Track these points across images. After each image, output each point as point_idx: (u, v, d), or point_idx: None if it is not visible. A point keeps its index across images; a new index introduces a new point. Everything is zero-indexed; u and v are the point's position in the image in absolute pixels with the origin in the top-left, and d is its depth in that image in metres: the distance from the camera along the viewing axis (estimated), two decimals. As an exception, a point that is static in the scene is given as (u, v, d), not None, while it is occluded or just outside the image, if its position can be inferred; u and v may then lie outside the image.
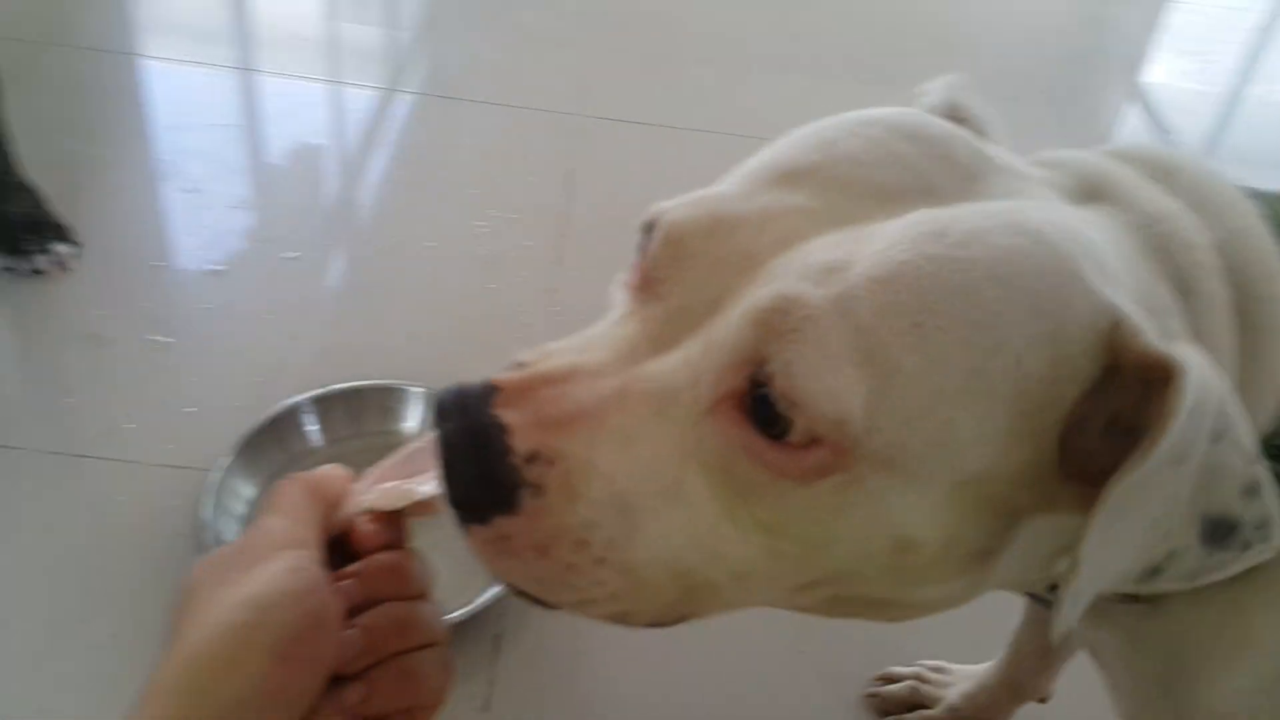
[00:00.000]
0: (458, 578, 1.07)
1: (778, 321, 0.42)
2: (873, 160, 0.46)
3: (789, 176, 0.47)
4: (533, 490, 0.44)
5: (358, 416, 1.21)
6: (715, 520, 0.45)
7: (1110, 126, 2.15)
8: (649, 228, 0.48)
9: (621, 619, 0.48)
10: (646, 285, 0.47)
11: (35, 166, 1.39)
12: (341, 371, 1.26)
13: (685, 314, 0.46)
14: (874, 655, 1.07)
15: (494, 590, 1.05)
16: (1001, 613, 0.92)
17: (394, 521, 0.54)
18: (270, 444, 1.15)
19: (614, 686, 1.04)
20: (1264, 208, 0.51)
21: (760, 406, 0.42)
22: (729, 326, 0.43)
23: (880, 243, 0.43)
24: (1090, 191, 0.50)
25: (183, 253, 1.47)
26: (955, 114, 0.53)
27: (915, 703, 1.03)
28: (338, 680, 0.48)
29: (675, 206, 0.47)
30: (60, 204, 1.42)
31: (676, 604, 0.48)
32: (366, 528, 0.53)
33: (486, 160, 1.72)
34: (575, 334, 0.49)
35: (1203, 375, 0.41)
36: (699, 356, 0.44)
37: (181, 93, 1.81)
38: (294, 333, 1.36)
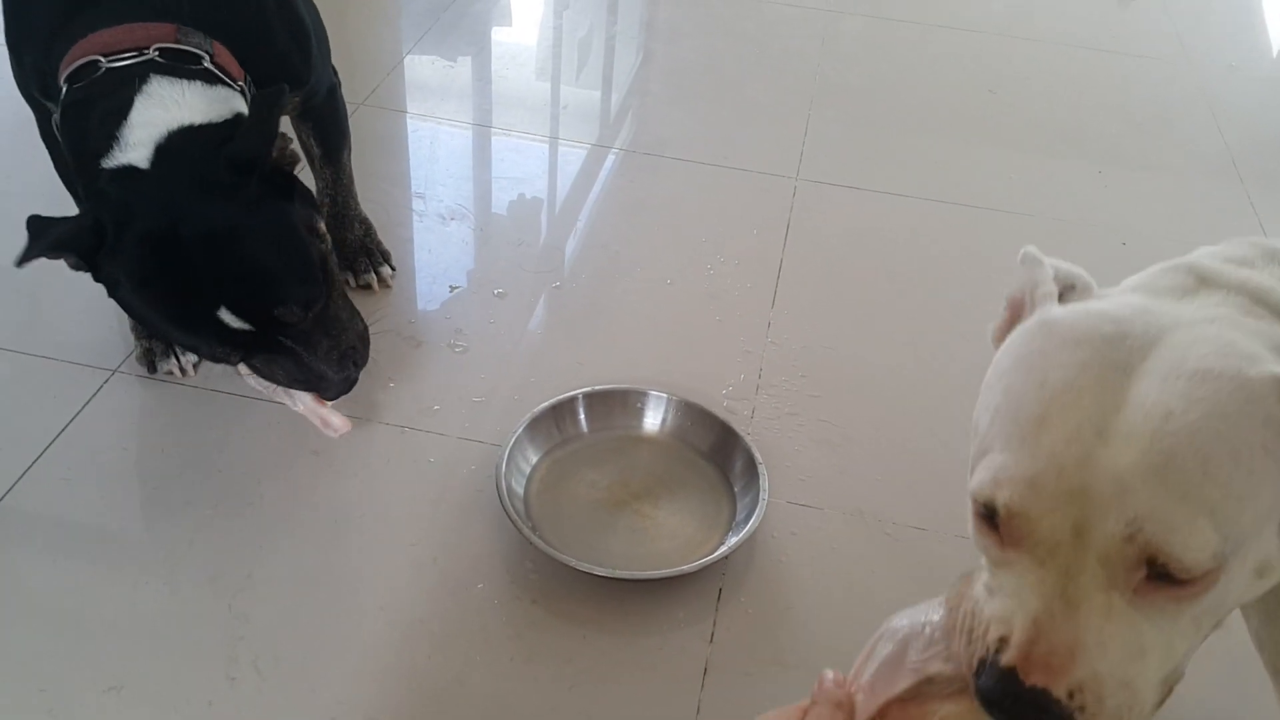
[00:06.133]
0: (692, 540, 1.36)
1: (1139, 535, 0.62)
2: (1074, 377, 0.66)
3: (1040, 423, 0.66)
4: (1080, 710, 0.65)
5: (613, 411, 1.52)
6: (1168, 648, 0.66)
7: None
8: (988, 509, 0.68)
9: None
10: (1015, 538, 0.67)
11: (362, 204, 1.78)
12: (593, 377, 1.58)
13: (1059, 547, 0.65)
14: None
15: (720, 551, 1.33)
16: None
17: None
18: (550, 424, 1.48)
19: (809, 630, 1.29)
20: None
21: (1165, 574, 0.63)
22: (1111, 546, 0.63)
23: (1144, 439, 0.62)
24: (1192, 280, 0.74)
25: (474, 279, 1.82)
26: (1067, 283, 0.76)
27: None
28: None
29: (998, 488, 0.67)
30: (380, 235, 1.79)
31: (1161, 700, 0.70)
32: None
33: (718, 215, 2.02)
34: (993, 593, 0.71)
35: None
36: (1103, 572, 0.64)
37: (465, 151, 2.20)
38: (558, 344, 1.69)
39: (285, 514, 1.39)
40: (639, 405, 1.53)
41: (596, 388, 1.53)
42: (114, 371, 1.56)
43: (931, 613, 0.79)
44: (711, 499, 1.43)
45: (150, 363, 1.55)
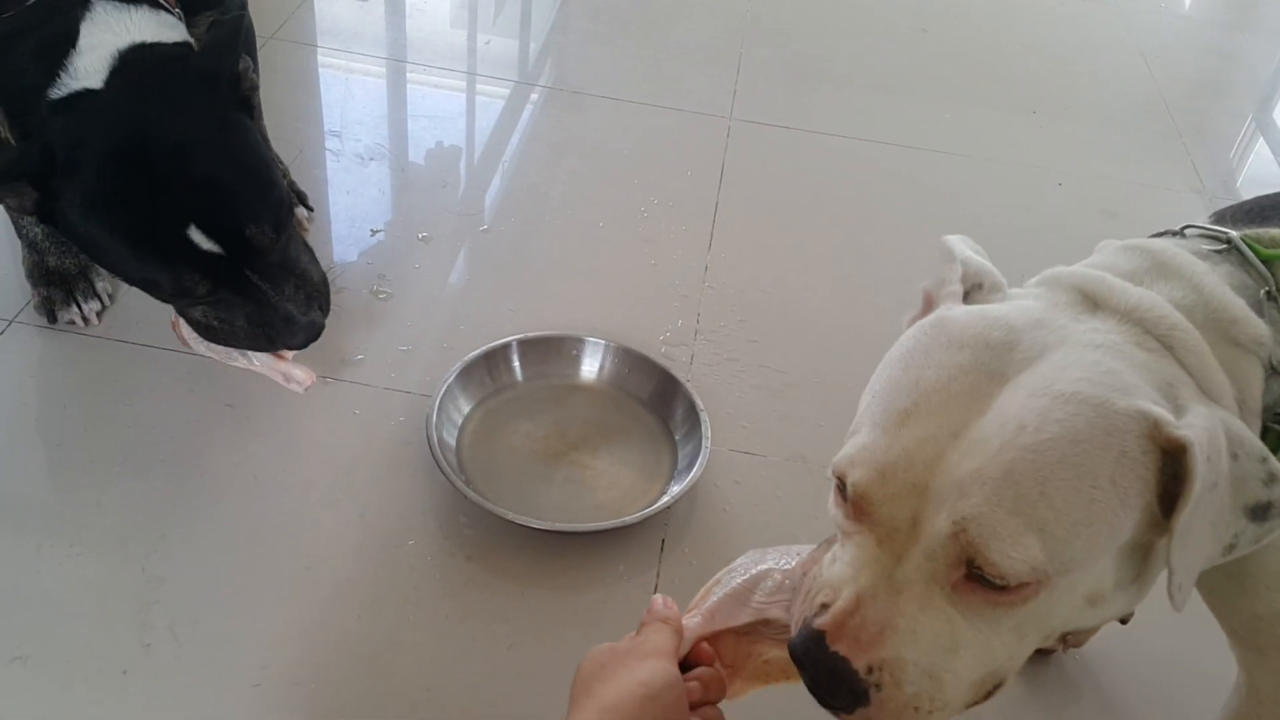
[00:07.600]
0: (633, 490, 1.31)
1: (962, 534, 0.64)
2: (948, 380, 0.68)
3: (906, 416, 0.68)
4: (876, 687, 0.68)
5: (549, 359, 1.46)
6: (985, 650, 0.68)
7: (1239, 160, 2.26)
8: (841, 479, 0.70)
9: None
10: (859, 514, 0.70)
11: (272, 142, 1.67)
12: (525, 324, 1.51)
13: (896, 533, 0.68)
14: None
15: (663, 501, 1.28)
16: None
17: (717, 647, 0.83)
18: (482, 373, 1.41)
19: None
20: (1226, 257, 0.75)
21: (983, 578, 0.65)
22: (936, 541, 0.65)
23: (991, 447, 0.64)
24: (1088, 300, 0.72)
25: (396, 222, 1.73)
26: (976, 280, 0.75)
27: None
28: None
29: (851, 467, 0.69)
30: (294, 175, 1.70)
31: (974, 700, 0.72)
32: (706, 650, 0.83)
33: (649, 156, 1.95)
34: (830, 548, 0.74)
35: (1209, 434, 0.63)
36: (927, 564, 0.67)
37: (381, 88, 2.09)
38: (488, 290, 1.62)
39: (200, 471, 1.31)
40: (575, 352, 1.47)
41: (531, 334, 1.47)
42: (10, 322, 1.46)
43: (787, 559, 0.83)
44: (652, 448, 1.39)
45: (50, 311, 1.45)
